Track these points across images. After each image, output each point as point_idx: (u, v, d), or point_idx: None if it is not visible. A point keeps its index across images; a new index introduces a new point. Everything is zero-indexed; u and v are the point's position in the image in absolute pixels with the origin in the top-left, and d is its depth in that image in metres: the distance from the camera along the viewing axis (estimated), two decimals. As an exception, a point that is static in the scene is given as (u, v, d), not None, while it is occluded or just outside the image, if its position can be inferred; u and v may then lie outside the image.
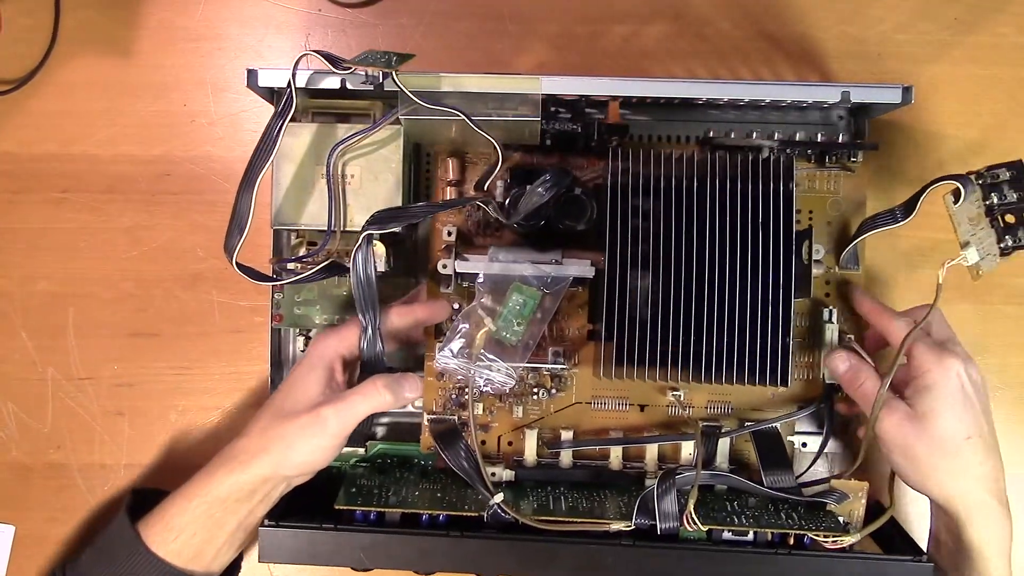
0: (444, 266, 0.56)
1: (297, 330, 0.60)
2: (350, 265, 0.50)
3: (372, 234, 0.50)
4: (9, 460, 0.63)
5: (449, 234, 0.57)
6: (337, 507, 0.53)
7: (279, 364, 0.60)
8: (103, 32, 0.64)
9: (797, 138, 0.56)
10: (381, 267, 0.54)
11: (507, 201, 0.55)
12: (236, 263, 0.51)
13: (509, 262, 0.54)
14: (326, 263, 0.53)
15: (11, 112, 0.64)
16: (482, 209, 0.57)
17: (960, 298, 0.63)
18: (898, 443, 0.50)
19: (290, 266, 0.54)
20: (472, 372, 0.53)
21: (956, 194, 0.52)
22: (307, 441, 0.50)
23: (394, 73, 0.50)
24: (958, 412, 0.49)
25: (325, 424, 0.50)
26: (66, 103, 0.64)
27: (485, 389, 0.54)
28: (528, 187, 0.54)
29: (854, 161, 0.58)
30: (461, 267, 0.55)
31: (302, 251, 0.55)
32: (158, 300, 0.64)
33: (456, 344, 0.53)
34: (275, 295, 0.58)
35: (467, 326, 0.53)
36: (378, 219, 0.51)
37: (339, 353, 0.52)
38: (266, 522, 0.52)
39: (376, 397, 0.50)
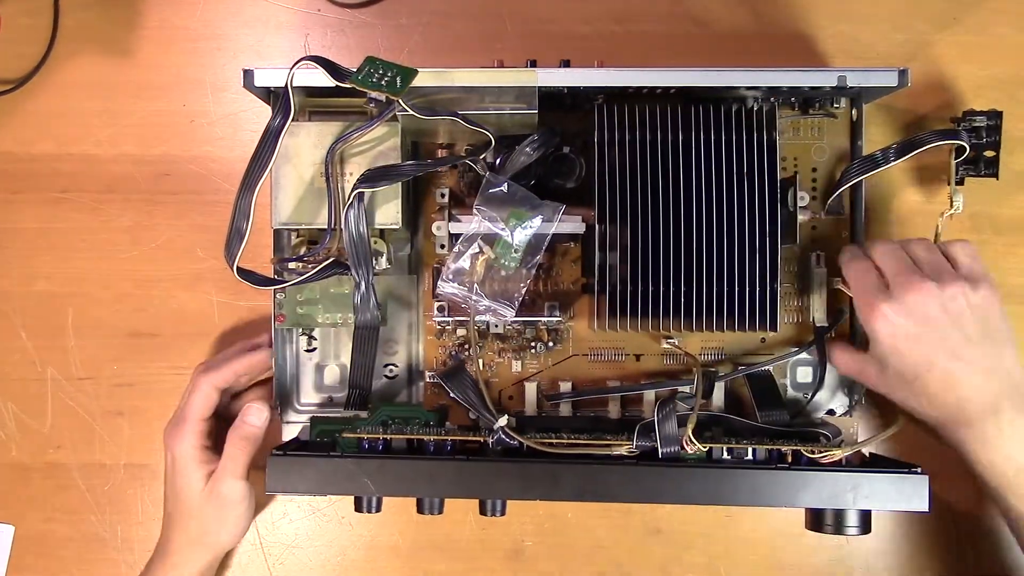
0: (439, 227, 0.57)
1: (300, 330, 0.60)
2: (342, 223, 0.51)
3: (363, 192, 0.51)
4: (9, 460, 0.63)
5: (443, 196, 0.58)
6: (343, 435, 0.54)
7: (283, 366, 0.60)
8: (103, 32, 0.64)
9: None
10: (383, 265, 0.54)
11: (497, 161, 0.56)
12: (237, 268, 0.51)
13: (499, 211, 0.54)
14: (328, 261, 0.53)
15: (11, 112, 0.64)
16: (473, 170, 0.57)
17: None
18: (853, 374, 0.55)
19: (291, 265, 0.54)
20: (473, 300, 0.54)
21: (959, 150, 0.57)
22: (224, 515, 0.57)
23: (400, 100, 0.50)
24: (900, 357, 0.50)
25: (221, 495, 0.56)
26: (66, 103, 0.64)
27: (488, 318, 0.55)
28: (516, 147, 0.54)
29: (836, 107, 0.59)
30: (454, 228, 0.55)
31: (303, 250, 0.55)
32: (158, 300, 0.64)
33: (456, 270, 0.54)
34: (277, 296, 0.58)
35: (467, 253, 0.54)
36: (369, 177, 0.51)
37: (193, 446, 0.56)
38: (274, 451, 0.53)
39: (242, 448, 0.56)
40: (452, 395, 0.55)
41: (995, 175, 0.59)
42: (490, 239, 0.54)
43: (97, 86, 0.64)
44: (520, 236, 0.54)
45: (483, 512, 0.55)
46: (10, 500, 0.63)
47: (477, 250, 0.54)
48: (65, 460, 0.63)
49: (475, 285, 0.53)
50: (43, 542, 0.63)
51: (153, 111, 0.64)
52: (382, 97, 0.51)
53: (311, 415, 0.60)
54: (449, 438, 0.54)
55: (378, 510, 0.55)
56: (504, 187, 0.54)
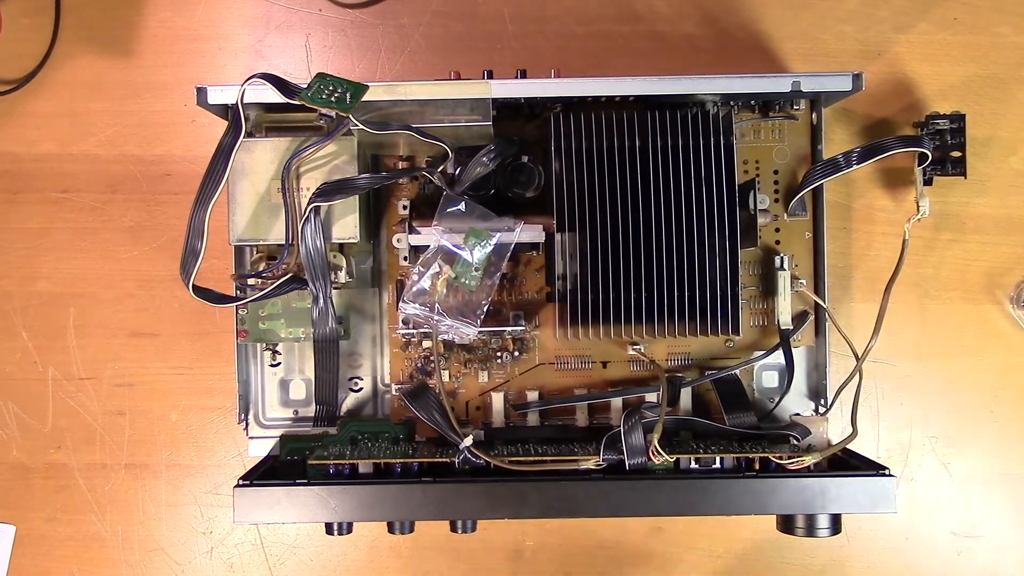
0: (399, 240, 0.56)
1: (263, 345, 0.60)
2: (299, 237, 0.51)
3: (319, 206, 0.51)
4: (9, 460, 0.63)
5: (404, 207, 0.58)
6: (310, 463, 0.53)
7: (247, 381, 0.61)
8: (103, 32, 0.64)
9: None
10: (343, 279, 0.54)
11: (457, 171, 0.56)
12: (193, 286, 0.51)
13: (458, 228, 0.54)
14: (286, 277, 0.53)
15: (11, 112, 0.64)
16: (433, 182, 0.57)
17: (961, 298, 0.63)
18: None
19: (251, 281, 0.54)
20: (435, 320, 0.54)
21: (921, 157, 0.57)
22: None
23: (351, 116, 0.49)
24: None
25: None
26: (66, 103, 0.64)
27: (450, 337, 0.55)
28: (473, 157, 0.54)
29: (796, 109, 0.59)
30: (415, 240, 0.56)
31: (262, 266, 0.55)
32: (158, 300, 0.64)
33: (417, 291, 0.54)
34: (239, 311, 0.58)
35: (427, 273, 0.54)
36: (324, 191, 0.51)
37: None
38: (240, 481, 0.52)
39: None
40: (417, 415, 0.55)
41: (963, 174, 0.59)
42: (450, 258, 0.54)
43: (98, 86, 0.64)
44: (479, 254, 0.54)
45: (453, 530, 0.54)
46: (11, 500, 0.63)
47: (437, 270, 0.54)
48: (66, 460, 0.63)
49: (436, 305, 0.53)
50: (44, 542, 0.63)
51: (154, 111, 0.64)
52: (332, 114, 0.51)
53: (283, 431, 0.60)
54: (416, 460, 0.53)
55: (349, 532, 0.54)
56: (462, 205, 0.54)
